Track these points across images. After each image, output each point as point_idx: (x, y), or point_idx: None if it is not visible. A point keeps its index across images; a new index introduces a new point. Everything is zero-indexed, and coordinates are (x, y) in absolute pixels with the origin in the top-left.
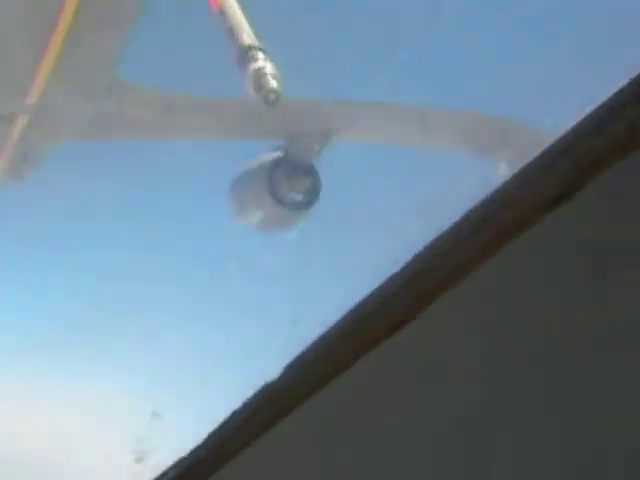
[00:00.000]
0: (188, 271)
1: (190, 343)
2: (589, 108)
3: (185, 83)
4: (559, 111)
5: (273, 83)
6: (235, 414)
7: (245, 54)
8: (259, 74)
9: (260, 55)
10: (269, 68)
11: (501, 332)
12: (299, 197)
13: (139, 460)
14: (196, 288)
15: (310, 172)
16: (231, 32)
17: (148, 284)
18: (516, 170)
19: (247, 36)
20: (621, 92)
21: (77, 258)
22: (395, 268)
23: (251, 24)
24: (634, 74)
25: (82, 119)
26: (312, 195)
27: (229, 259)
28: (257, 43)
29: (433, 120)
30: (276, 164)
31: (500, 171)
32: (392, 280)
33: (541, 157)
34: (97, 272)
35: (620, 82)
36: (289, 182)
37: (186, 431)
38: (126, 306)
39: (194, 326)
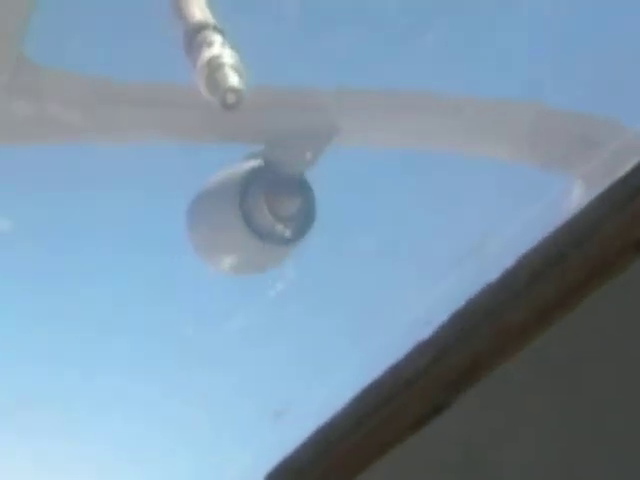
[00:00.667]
0: (134, 325)
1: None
2: None
3: (119, 66)
4: None
5: (233, 79)
6: None
7: (194, 36)
8: (213, 66)
9: (216, 37)
10: (228, 56)
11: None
12: (284, 225)
13: None
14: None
15: (301, 189)
16: (176, 6)
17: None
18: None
19: (199, 10)
20: None
21: None
22: (424, 332)
23: None
24: None
25: None
26: (303, 222)
27: (185, 313)
28: (212, 20)
29: (475, 115)
30: (251, 178)
31: (574, 192)
32: (419, 352)
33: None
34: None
35: None
36: (270, 204)
37: None
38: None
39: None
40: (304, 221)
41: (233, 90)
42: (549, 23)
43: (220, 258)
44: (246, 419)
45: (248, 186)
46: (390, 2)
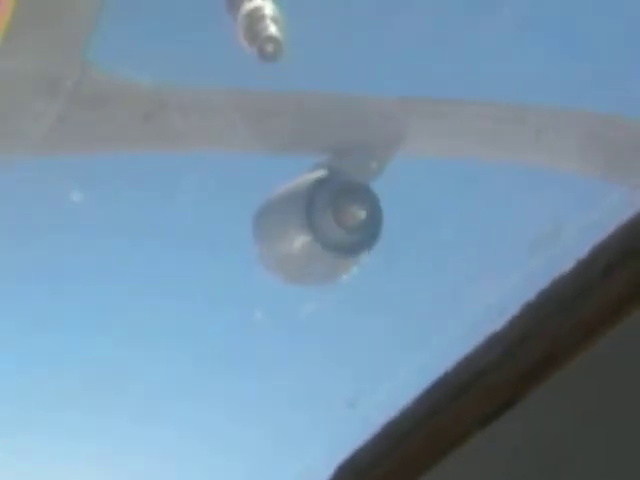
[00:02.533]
0: (200, 330)
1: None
2: None
3: (180, 71)
4: None
5: (271, 29)
6: None
7: None
8: (253, 17)
9: None
10: (268, 9)
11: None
12: (351, 235)
13: None
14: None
15: (367, 199)
16: None
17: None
18: None
19: None
20: None
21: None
22: (496, 324)
23: None
24: None
25: (40, 124)
26: (370, 232)
27: (252, 319)
28: None
29: (541, 125)
30: (317, 188)
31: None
32: (487, 350)
33: None
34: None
35: None
36: (336, 214)
37: None
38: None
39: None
40: (371, 231)
41: (271, 39)
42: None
43: (286, 268)
44: (320, 409)
45: (314, 196)
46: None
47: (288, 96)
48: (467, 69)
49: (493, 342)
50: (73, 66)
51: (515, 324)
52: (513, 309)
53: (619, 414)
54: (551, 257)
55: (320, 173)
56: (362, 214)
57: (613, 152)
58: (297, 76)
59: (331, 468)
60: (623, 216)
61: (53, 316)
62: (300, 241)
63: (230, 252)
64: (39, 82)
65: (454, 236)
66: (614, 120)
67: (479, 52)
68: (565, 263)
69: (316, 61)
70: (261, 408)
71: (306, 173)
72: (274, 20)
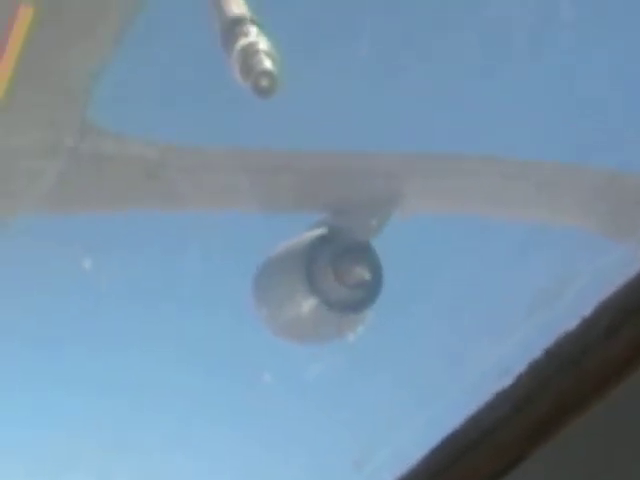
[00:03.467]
0: (207, 390)
1: None
2: None
3: (181, 129)
4: None
5: (266, 63)
6: None
7: (232, 29)
8: (248, 52)
9: (252, 29)
10: (263, 44)
11: None
12: (352, 293)
13: None
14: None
15: (367, 256)
16: (215, 4)
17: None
18: None
19: (236, 5)
20: None
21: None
22: (496, 390)
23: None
24: None
25: (41, 183)
26: (370, 290)
27: (257, 377)
28: (249, 14)
29: (547, 180)
30: (318, 246)
31: None
32: (494, 408)
33: None
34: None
35: None
36: (337, 272)
37: None
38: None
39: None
40: (372, 288)
41: (266, 73)
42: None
43: (288, 329)
44: (326, 469)
45: (314, 254)
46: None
47: (288, 154)
48: (468, 125)
49: (500, 400)
50: (74, 126)
51: (522, 382)
52: (519, 367)
53: (625, 471)
54: (555, 314)
55: (320, 231)
56: (363, 272)
57: (616, 208)
58: (294, 130)
59: None
60: (627, 273)
61: (64, 376)
62: (301, 301)
63: (234, 311)
64: (40, 141)
65: (458, 292)
66: (617, 176)
67: (481, 108)
68: (569, 320)
69: (314, 115)
70: (267, 468)
71: (306, 231)
72: (268, 55)
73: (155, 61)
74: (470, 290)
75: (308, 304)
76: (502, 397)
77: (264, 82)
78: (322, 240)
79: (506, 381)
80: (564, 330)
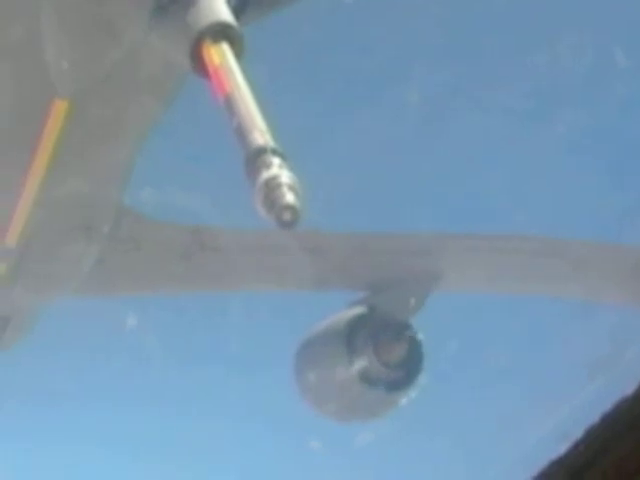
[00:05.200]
0: (255, 456)
1: None
2: None
3: (217, 213)
4: None
5: (289, 197)
6: None
7: (254, 159)
8: (270, 185)
9: (275, 161)
10: (285, 177)
11: None
12: (393, 371)
13: None
14: None
15: (407, 335)
16: (239, 129)
17: None
18: None
19: (259, 134)
20: None
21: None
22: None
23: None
24: None
25: (79, 268)
26: (412, 367)
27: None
28: (272, 144)
29: (590, 261)
30: (358, 325)
31: None
32: (550, 477)
33: None
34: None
35: None
36: (377, 350)
37: None
38: None
39: None
40: (413, 367)
41: (288, 208)
42: None
43: (329, 404)
44: None
45: (354, 333)
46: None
47: (326, 235)
48: (504, 203)
49: (556, 468)
50: (110, 212)
51: (579, 449)
52: (576, 433)
53: None
54: (612, 379)
55: (360, 310)
56: (403, 350)
57: None
58: (328, 213)
59: None
60: None
61: (109, 435)
62: (342, 379)
63: (281, 379)
64: (77, 226)
65: (513, 359)
66: None
67: (515, 185)
68: (626, 385)
69: (351, 195)
70: None
71: (345, 309)
72: (291, 188)
73: (188, 146)
74: (525, 356)
75: (349, 382)
76: (558, 465)
77: (287, 216)
78: (362, 318)
79: (562, 448)
80: (621, 395)
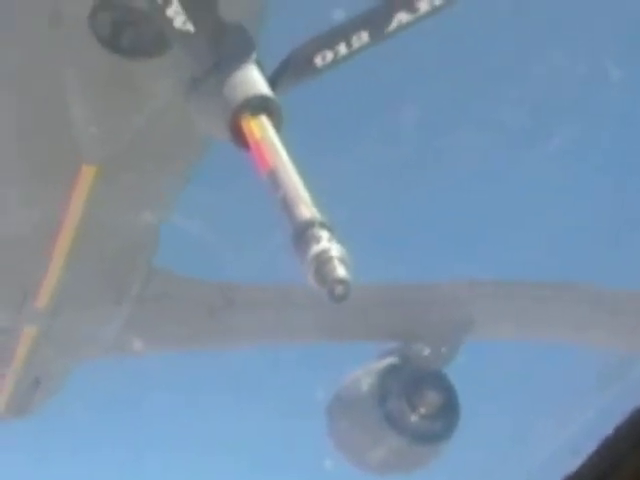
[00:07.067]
0: None
1: None
2: None
3: (243, 271)
4: None
5: (340, 271)
6: None
7: (302, 233)
8: (321, 259)
9: (324, 234)
10: (335, 250)
11: None
12: (429, 423)
13: None
14: None
15: (441, 385)
16: (284, 203)
17: None
18: None
19: (306, 208)
20: None
21: None
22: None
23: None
24: None
25: (111, 328)
26: (448, 418)
27: None
28: (319, 217)
29: (618, 307)
30: (390, 375)
31: None
32: None
33: None
34: None
35: None
36: (411, 401)
37: None
38: None
39: None
40: (448, 419)
41: (340, 281)
42: None
43: (363, 458)
44: None
45: (387, 384)
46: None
47: (357, 287)
48: (534, 250)
49: None
50: (140, 273)
51: (592, 462)
52: (589, 446)
53: None
54: (624, 390)
55: (392, 360)
56: (437, 401)
57: None
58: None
59: None
60: None
61: None
62: (376, 434)
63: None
64: (107, 289)
65: (523, 368)
66: None
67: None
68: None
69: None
70: None
71: (376, 360)
72: (341, 261)
73: (216, 205)
74: (535, 365)
75: (384, 437)
76: None
77: (339, 290)
78: (394, 368)
79: (576, 462)
80: (635, 406)
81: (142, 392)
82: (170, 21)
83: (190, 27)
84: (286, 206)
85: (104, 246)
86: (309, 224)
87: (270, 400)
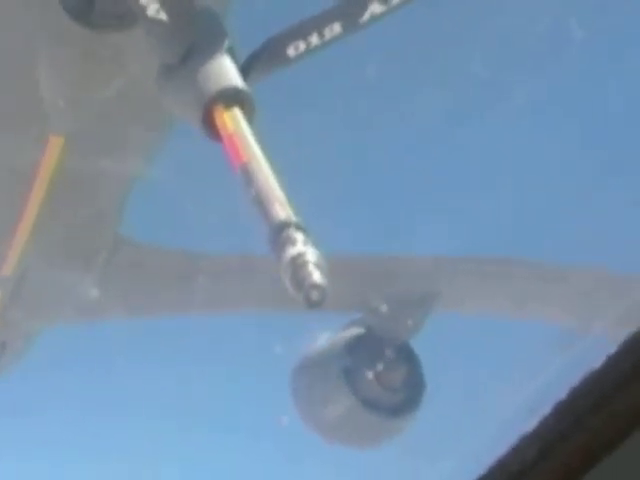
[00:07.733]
0: None
1: None
2: None
3: (208, 240)
4: None
5: (316, 276)
6: None
7: (278, 234)
8: (297, 263)
9: (299, 236)
10: (311, 255)
11: None
12: (394, 394)
13: None
14: None
15: (406, 356)
16: (258, 202)
17: None
18: None
19: (280, 207)
20: None
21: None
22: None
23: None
24: None
25: (77, 294)
26: (413, 390)
27: None
28: (294, 218)
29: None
30: (355, 346)
31: None
32: (521, 451)
33: None
34: None
35: None
36: (376, 372)
37: None
38: None
39: None
40: (413, 391)
41: (316, 287)
42: None
43: (328, 430)
44: None
45: (351, 355)
46: None
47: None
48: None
49: (527, 443)
50: (107, 240)
51: (548, 423)
52: (544, 408)
53: None
54: (580, 353)
55: (357, 331)
56: (402, 373)
57: None
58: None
59: None
60: None
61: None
62: (340, 402)
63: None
64: (74, 256)
65: (480, 330)
66: None
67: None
68: (594, 359)
69: (349, 217)
70: None
71: (341, 331)
72: (317, 265)
73: (185, 175)
74: (492, 329)
75: (347, 405)
76: (528, 440)
77: (314, 296)
78: (359, 339)
79: (532, 423)
80: (590, 369)
81: (105, 357)
82: (143, 8)
83: (163, 16)
84: (260, 203)
85: (70, 215)
86: (284, 225)
87: (231, 364)
